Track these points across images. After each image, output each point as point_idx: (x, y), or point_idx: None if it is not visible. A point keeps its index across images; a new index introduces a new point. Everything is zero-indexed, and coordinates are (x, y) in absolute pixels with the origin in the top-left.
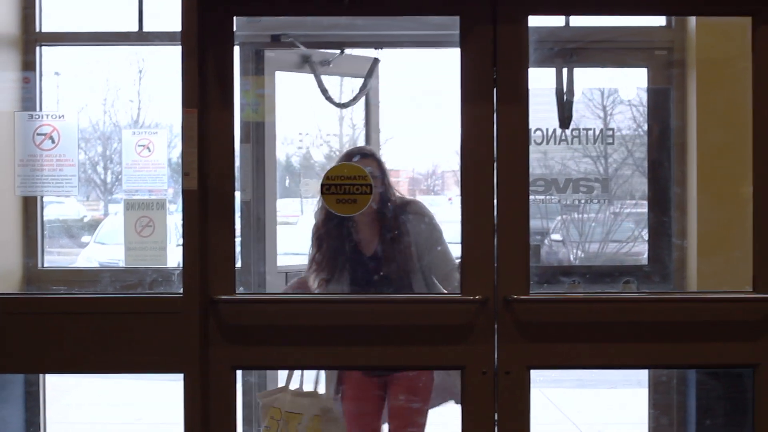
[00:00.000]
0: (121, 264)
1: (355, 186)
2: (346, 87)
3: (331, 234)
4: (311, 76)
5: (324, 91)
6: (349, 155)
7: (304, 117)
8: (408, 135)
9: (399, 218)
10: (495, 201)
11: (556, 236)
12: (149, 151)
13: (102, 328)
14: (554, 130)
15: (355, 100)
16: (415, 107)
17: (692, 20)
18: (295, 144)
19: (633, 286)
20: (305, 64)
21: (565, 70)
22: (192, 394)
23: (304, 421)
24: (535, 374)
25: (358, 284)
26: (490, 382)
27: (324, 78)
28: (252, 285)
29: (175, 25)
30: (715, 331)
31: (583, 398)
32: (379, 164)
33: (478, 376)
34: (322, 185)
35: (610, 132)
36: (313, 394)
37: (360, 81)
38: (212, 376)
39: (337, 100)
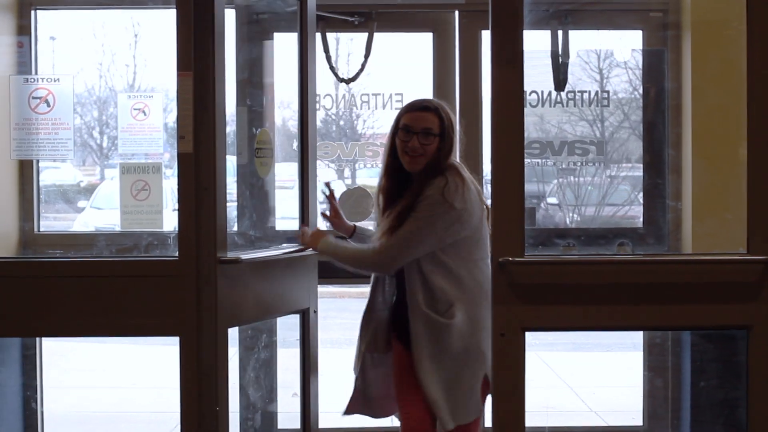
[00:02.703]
0: (117, 228)
1: None
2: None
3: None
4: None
5: (328, 60)
6: (411, 107)
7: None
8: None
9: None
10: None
11: (552, 200)
12: (145, 114)
13: (98, 291)
14: (549, 93)
15: (357, 75)
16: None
17: None
18: (292, 107)
19: (628, 249)
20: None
21: (560, 32)
22: (189, 355)
23: None
24: (530, 337)
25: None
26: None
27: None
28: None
29: None
30: (710, 293)
31: (577, 361)
32: (441, 122)
33: None
34: None
35: (606, 94)
36: None
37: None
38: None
39: (340, 74)
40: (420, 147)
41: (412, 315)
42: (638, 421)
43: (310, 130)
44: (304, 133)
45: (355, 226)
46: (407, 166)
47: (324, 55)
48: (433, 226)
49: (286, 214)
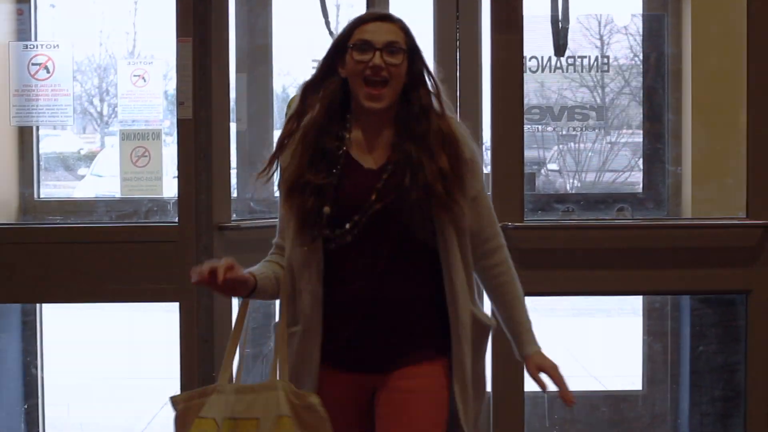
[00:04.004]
0: (117, 195)
1: None
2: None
3: None
4: (308, 2)
5: (327, 24)
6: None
7: (302, 46)
8: None
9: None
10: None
11: (552, 166)
12: (144, 81)
13: (97, 257)
14: (549, 58)
15: None
16: None
17: None
18: (292, 75)
19: (627, 213)
20: None
21: None
22: (189, 321)
23: (265, 428)
24: (529, 302)
25: None
26: None
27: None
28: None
29: None
30: (709, 258)
31: (578, 326)
32: (407, 37)
33: None
34: None
35: (606, 60)
36: (270, 385)
37: None
38: (214, 302)
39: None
40: (385, 66)
41: (459, 316)
42: (637, 385)
43: None
44: None
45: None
46: (366, 100)
47: (323, 20)
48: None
49: None
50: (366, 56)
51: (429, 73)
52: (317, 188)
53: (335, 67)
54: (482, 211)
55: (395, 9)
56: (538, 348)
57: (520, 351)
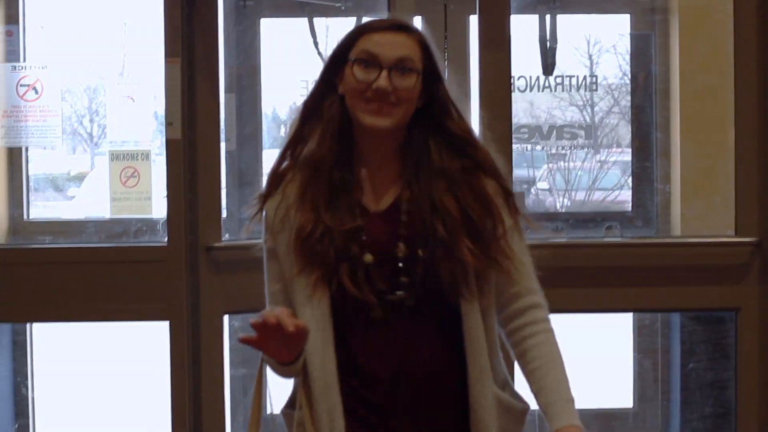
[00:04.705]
0: (106, 215)
1: None
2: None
3: None
4: (297, 23)
5: (316, 45)
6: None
7: (291, 66)
8: None
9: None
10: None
11: (542, 184)
12: (133, 101)
13: (87, 277)
14: (538, 78)
15: None
16: None
17: None
18: (281, 94)
19: (615, 232)
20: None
21: (548, 17)
22: (178, 341)
23: None
24: None
25: None
26: None
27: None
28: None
29: None
30: (698, 275)
31: (568, 344)
32: (424, 53)
33: None
34: None
35: (595, 79)
36: None
37: None
38: (203, 321)
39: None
40: (392, 90)
41: (480, 395)
42: (628, 403)
43: None
44: None
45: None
46: (368, 115)
47: (312, 40)
48: None
49: None
50: (370, 74)
51: (450, 101)
52: (346, 234)
53: (334, 82)
54: (509, 258)
55: None
56: (576, 423)
57: (550, 424)
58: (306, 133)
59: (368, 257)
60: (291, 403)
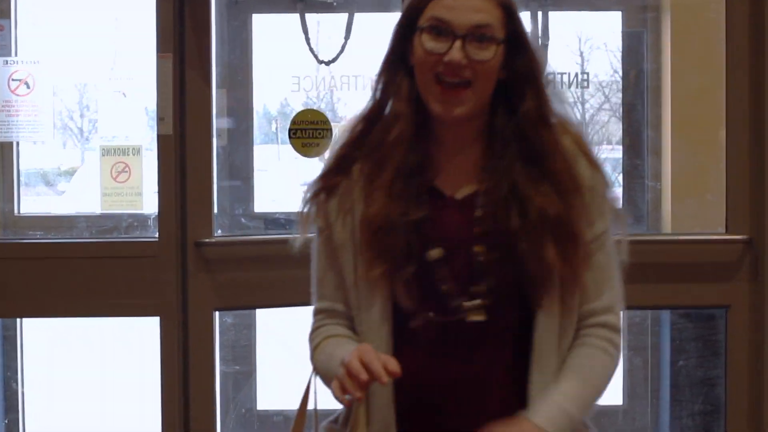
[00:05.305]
0: (97, 211)
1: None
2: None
3: None
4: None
5: (308, 41)
6: None
7: (282, 62)
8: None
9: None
10: None
11: None
12: (125, 96)
13: (78, 272)
14: None
15: (337, 58)
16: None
17: None
18: (272, 90)
19: None
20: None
21: (539, 14)
22: (169, 337)
23: None
24: None
25: None
26: None
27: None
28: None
29: None
30: (689, 273)
31: None
32: (508, 18)
33: None
34: None
35: (586, 76)
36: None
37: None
38: (193, 317)
39: (320, 56)
40: (467, 63)
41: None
42: (618, 400)
43: None
44: None
45: None
46: (438, 104)
47: (303, 36)
48: None
49: (264, 198)
50: (441, 45)
51: (538, 71)
52: (412, 226)
53: (405, 55)
54: (593, 268)
55: (368, 34)
56: (544, 426)
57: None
58: (374, 113)
59: (435, 252)
60: (336, 419)
